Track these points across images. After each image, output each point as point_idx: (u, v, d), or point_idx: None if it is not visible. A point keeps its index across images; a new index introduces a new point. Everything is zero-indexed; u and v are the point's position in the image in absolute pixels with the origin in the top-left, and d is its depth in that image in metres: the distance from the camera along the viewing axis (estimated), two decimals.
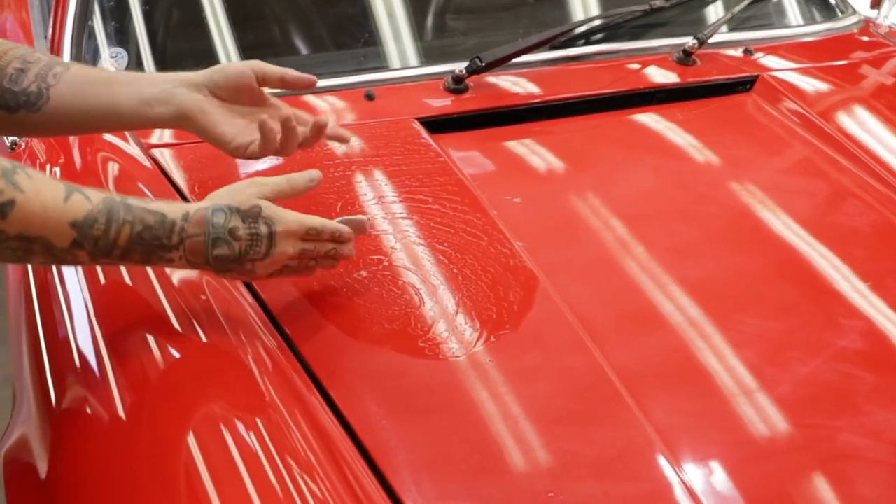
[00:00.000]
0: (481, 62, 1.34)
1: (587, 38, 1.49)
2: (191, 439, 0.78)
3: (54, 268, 1.09)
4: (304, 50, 1.53)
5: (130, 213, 0.83)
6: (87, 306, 0.99)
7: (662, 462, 0.81)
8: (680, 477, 0.79)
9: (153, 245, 0.84)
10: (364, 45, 1.47)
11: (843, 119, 1.38)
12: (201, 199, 1.11)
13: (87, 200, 0.82)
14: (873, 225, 1.17)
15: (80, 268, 1.04)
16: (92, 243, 0.82)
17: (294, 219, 0.90)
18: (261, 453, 0.76)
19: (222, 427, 0.79)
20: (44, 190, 0.80)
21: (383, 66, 1.45)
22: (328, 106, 1.36)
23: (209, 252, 0.86)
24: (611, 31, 1.51)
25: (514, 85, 1.40)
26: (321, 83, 1.38)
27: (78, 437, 0.86)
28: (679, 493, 0.78)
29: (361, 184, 1.16)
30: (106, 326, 0.95)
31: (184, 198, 1.12)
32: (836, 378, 0.92)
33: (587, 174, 1.25)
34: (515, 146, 1.30)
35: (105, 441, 0.83)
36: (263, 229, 0.88)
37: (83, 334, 0.96)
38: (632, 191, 1.21)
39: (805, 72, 1.51)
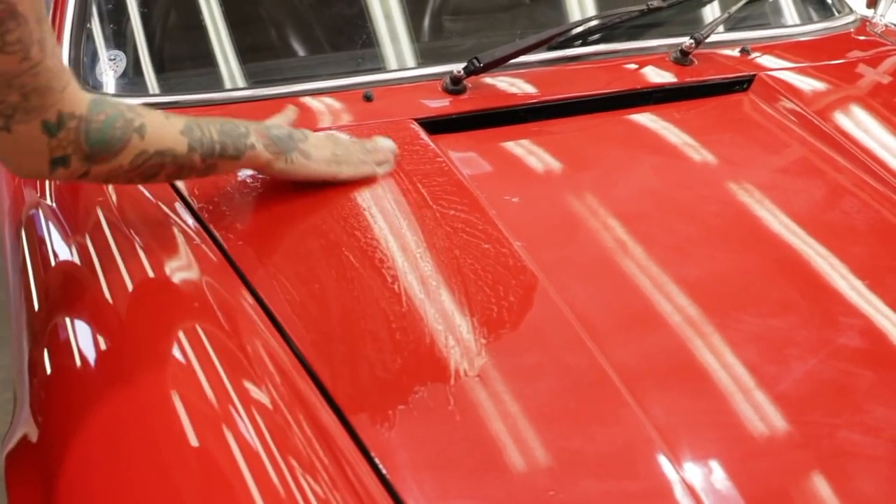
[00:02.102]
0: (479, 63, 1.35)
1: (584, 38, 1.50)
2: (192, 440, 0.79)
3: (54, 268, 1.09)
4: (302, 52, 1.53)
5: (205, 117, 1.01)
6: (87, 308, 0.99)
7: (662, 460, 0.81)
8: (680, 475, 0.79)
9: (235, 135, 1.01)
10: (362, 46, 1.47)
11: (841, 118, 1.39)
12: (198, 199, 1.12)
13: (177, 116, 0.98)
14: (871, 223, 1.18)
15: (79, 266, 1.05)
16: (198, 144, 0.98)
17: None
18: (262, 453, 0.76)
19: (224, 427, 0.79)
20: (154, 112, 0.96)
21: (381, 68, 1.45)
22: (326, 107, 1.36)
23: (269, 132, 1.06)
24: (608, 31, 1.51)
25: (512, 85, 1.40)
26: (319, 85, 1.39)
27: (79, 440, 0.86)
28: (679, 490, 0.78)
29: (359, 184, 1.16)
30: (107, 328, 0.95)
31: (181, 197, 1.12)
32: (835, 375, 0.92)
33: (585, 174, 1.25)
34: (514, 146, 1.30)
35: (106, 442, 0.83)
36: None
37: (84, 336, 0.97)
38: (630, 190, 1.22)
39: (802, 71, 1.52)
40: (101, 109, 0.90)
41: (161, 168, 0.96)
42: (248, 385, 0.84)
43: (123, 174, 0.94)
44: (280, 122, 1.14)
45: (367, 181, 1.13)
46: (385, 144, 1.16)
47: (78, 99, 0.88)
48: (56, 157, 0.87)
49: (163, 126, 0.95)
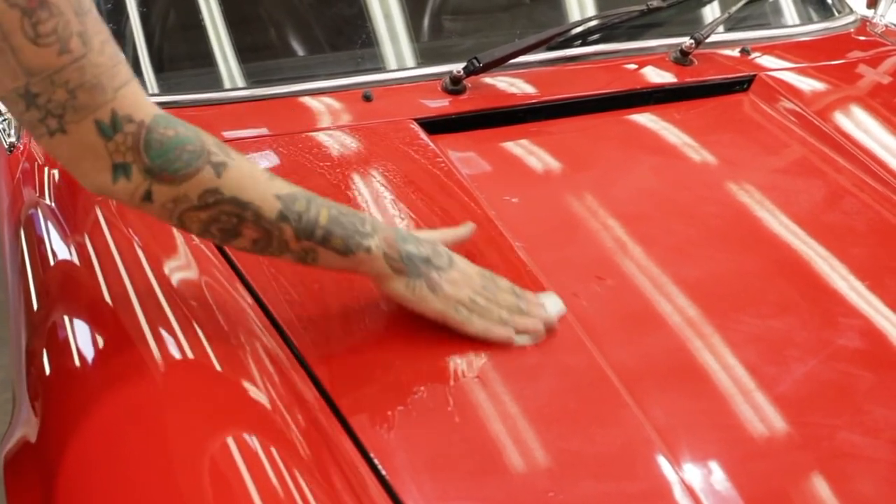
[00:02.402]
0: (478, 63, 1.34)
1: (584, 38, 1.50)
2: (191, 440, 0.78)
3: (53, 268, 1.09)
4: (301, 51, 1.53)
5: (326, 200, 0.89)
6: (86, 307, 0.99)
7: (662, 461, 0.81)
8: (679, 476, 0.79)
9: (350, 230, 0.88)
10: (361, 46, 1.47)
11: (841, 118, 1.39)
12: None
13: (286, 181, 0.88)
14: (871, 224, 1.18)
15: (77, 265, 1.05)
16: (297, 218, 0.86)
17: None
18: (262, 454, 0.76)
19: (223, 429, 0.79)
20: (249, 163, 0.87)
21: (381, 68, 1.45)
22: (325, 107, 1.36)
23: (400, 245, 0.90)
24: (608, 31, 1.51)
25: (512, 85, 1.40)
26: (318, 84, 1.39)
27: (78, 440, 0.86)
28: (678, 492, 0.78)
29: (359, 185, 1.16)
30: (105, 328, 0.95)
31: None
32: (834, 377, 0.92)
33: (585, 174, 1.25)
34: (513, 146, 1.30)
35: (105, 442, 0.83)
36: (442, 250, 0.93)
37: (83, 336, 0.97)
38: (630, 191, 1.22)
39: (802, 71, 1.52)
40: (172, 126, 0.82)
41: (241, 225, 0.84)
42: (248, 385, 0.84)
43: (193, 211, 0.83)
44: (436, 238, 0.96)
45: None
46: (542, 312, 0.93)
47: (139, 104, 0.81)
48: (117, 162, 0.81)
49: (254, 178, 0.85)
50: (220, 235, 0.86)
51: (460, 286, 0.90)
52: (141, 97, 0.82)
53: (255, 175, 0.85)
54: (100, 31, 0.80)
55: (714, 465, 0.82)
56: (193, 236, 1.01)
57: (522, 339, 0.91)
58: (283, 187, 0.86)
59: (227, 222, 0.84)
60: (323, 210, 0.87)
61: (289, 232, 0.86)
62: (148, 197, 0.83)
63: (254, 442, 0.77)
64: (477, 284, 0.91)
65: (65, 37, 0.77)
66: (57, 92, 0.78)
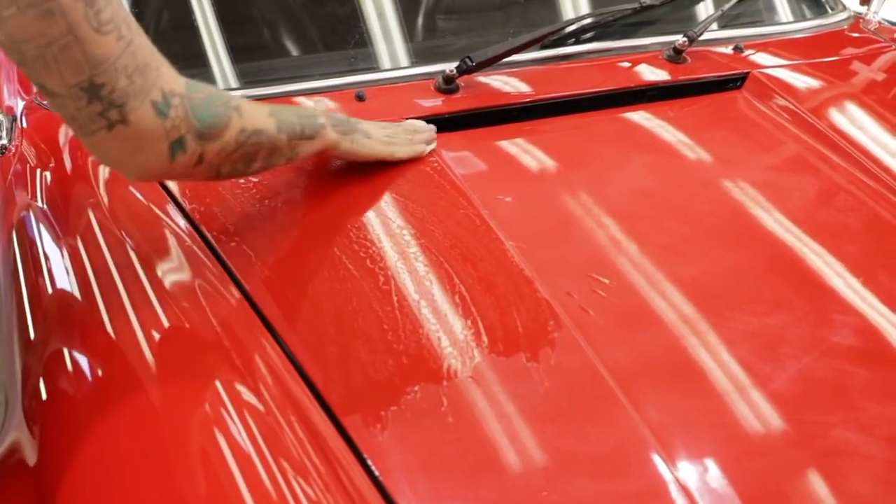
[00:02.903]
0: (471, 62, 1.34)
1: (577, 36, 1.49)
2: (184, 442, 0.78)
3: (45, 270, 1.08)
4: (294, 51, 1.53)
5: (283, 106, 1.05)
6: (78, 310, 0.99)
7: (656, 460, 0.81)
8: (674, 474, 0.79)
9: (309, 118, 1.05)
10: (354, 46, 1.46)
11: (834, 115, 1.39)
12: (190, 200, 1.12)
13: (258, 102, 1.00)
14: (865, 220, 1.18)
15: (70, 267, 1.04)
16: (285, 125, 1.00)
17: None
18: (254, 456, 0.76)
19: (216, 430, 0.79)
20: (240, 96, 0.97)
21: (374, 67, 1.45)
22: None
23: (333, 116, 1.10)
24: (601, 29, 1.51)
25: (505, 84, 1.40)
26: (312, 84, 1.38)
27: (71, 442, 0.86)
28: (673, 490, 0.78)
29: (352, 185, 1.16)
30: (98, 330, 0.95)
31: (173, 199, 1.12)
32: (829, 374, 0.92)
33: (579, 173, 1.25)
34: (507, 145, 1.30)
35: (98, 444, 0.83)
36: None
37: (74, 338, 0.96)
38: (623, 189, 1.21)
39: (795, 68, 1.52)
40: (199, 88, 0.89)
41: (258, 149, 0.97)
42: (240, 387, 0.84)
43: (229, 156, 0.93)
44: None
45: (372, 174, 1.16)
46: (423, 125, 1.22)
47: (174, 77, 0.86)
48: (174, 139, 0.85)
49: (253, 106, 0.96)
50: (241, 167, 0.97)
51: (376, 129, 1.15)
52: (172, 71, 0.87)
53: (252, 104, 0.97)
54: (128, 12, 0.84)
55: (709, 464, 0.82)
56: (185, 239, 1.01)
57: (430, 147, 1.20)
58: (264, 106, 0.99)
59: (250, 152, 0.96)
60: (288, 110, 1.03)
61: (284, 140, 1.00)
62: (200, 160, 0.90)
63: (246, 444, 0.77)
64: (381, 126, 1.17)
65: (118, 23, 0.79)
66: (120, 79, 0.80)
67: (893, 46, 1.64)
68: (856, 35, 1.68)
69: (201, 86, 0.90)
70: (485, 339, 0.91)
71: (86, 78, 0.78)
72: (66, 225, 1.14)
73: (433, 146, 1.20)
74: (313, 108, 1.11)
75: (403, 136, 1.17)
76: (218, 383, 0.85)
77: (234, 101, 0.93)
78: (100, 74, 0.78)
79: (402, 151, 1.16)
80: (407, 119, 1.22)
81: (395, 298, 0.96)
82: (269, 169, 1.03)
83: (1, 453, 0.91)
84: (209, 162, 0.91)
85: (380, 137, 1.14)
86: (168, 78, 0.85)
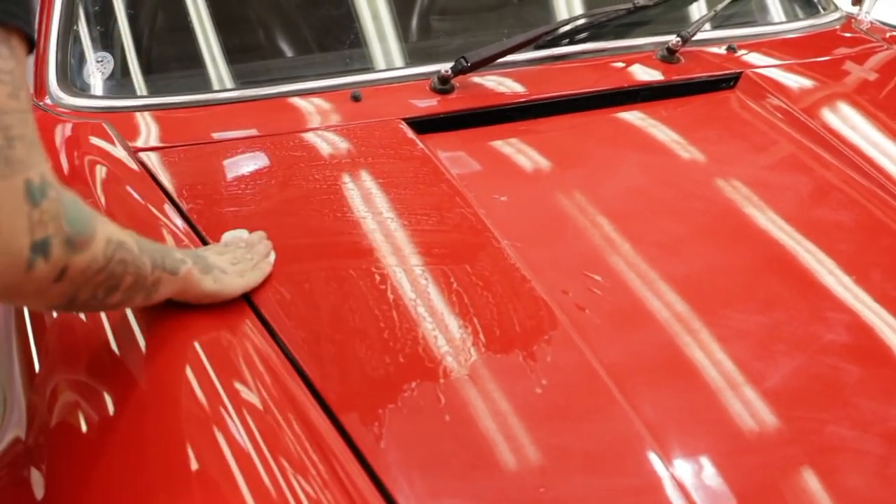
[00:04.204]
0: (466, 62, 1.35)
1: (572, 37, 1.50)
2: (183, 439, 0.79)
3: None
4: (289, 52, 1.53)
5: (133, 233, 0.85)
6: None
7: (652, 457, 0.81)
8: (669, 471, 0.80)
9: (165, 251, 0.87)
10: (350, 46, 1.47)
11: (827, 115, 1.40)
12: (188, 201, 1.12)
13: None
14: (857, 219, 1.19)
15: None
16: (142, 244, 0.82)
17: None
18: (254, 454, 0.76)
19: (214, 428, 0.79)
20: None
21: (369, 68, 1.45)
22: (314, 108, 1.36)
23: (190, 252, 0.93)
24: (595, 29, 1.52)
25: (500, 85, 1.41)
26: (307, 85, 1.39)
27: (69, 442, 0.86)
28: (668, 486, 0.79)
29: (349, 185, 1.16)
30: (94, 326, 0.95)
31: (171, 199, 1.12)
32: (822, 371, 0.93)
33: (573, 172, 1.26)
34: (502, 145, 1.31)
35: (96, 444, 0.83)
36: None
37: (71, 336, 0.96)
38: (618, 188, 1.22)
39: (788, 68, 1.53)
40: (65, 190, 0.74)
41: (123, 273, 0.79)
42: (239, 386, 0.84)
43: (92, 277, 0.76)
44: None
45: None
46: (254, 237, 1.03)
47: (53, 174, 0.72)
48: (38, 239, 0.68)
49: (107, 219, 0.79)
50: (101, 295, 0.78)
51: (225, 262, 0.96)
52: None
53: (105, 217, 0.79)
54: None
55: (704, 460, 0.83)
56: (182, 239, 1.01)
57: (272, 259, 1.01)
58: (122, 228, 0.82)
59: (116, 274, 0.78)
60: (145, 239, 0.85)
61: (147, 265, 0.82)
62: (62, 275, 0.72)
63: (246, 442, 0.78)
64: (220, 254, 0.97)
65: (18, 83, 0.68)
66: None
67: (885, 46, 1.65)
68: (848, 35, 1.69)
69: (66, 189, 0.74)
70: (481, 337, 0.92)
71: None
72: None
73: (273, 257, 1.01)
74: (161, 243, 0.92)
75: (247, 260, 0.98)
76: (216, 382, 0.86)
77: (91, 208, 0.77)
78: None
79: (254, 279, 0.97)
80: (232, 230, 1.05)
81: (391, 297, 0.96)
82: (124, 306, 0.86)
83: (1, 452, 0.92)
84: (71, 280, 0.73)
85: (232, 271, 0.95)
86: (49, 170, 0.70)
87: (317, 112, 1.35)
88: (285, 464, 0.76)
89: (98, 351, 0.92)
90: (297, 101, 1.36)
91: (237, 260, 0.97)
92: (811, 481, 0.82)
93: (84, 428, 0.85)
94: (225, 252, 0.98)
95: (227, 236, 1.04)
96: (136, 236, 0.82)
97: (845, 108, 1.44)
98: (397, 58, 1.48)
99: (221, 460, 0.76)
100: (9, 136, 0.66)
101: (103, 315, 0.94)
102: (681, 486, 0.79)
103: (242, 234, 1.04)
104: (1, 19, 0.65)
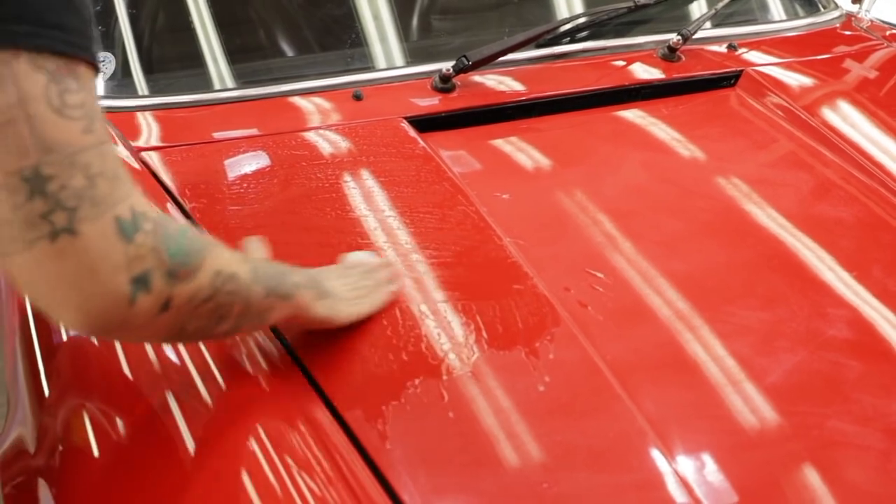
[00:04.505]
0: (468, 61, 1.35)
1: (573, 35, 1.51)
2: (186, 436, 0.79)
3: None
4: (291, 52, 1.53)
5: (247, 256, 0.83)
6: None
7: (654, 452, 0.82)
8: (672, 467, 0.80)
9: (276, 269, 0.83)
10: (351, 45, 1.47)
11: (827, 112, 1.40)
12: (190, 200, 1.12)
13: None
14: (858, 216, 1.19)
15: None
16: (258, 271, 0.78)
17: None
18: (258, 450, 0.77)
19: (220, 424, 0.80)
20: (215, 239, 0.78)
21: (370, 67, 1.45)
22: (316, 107, 1.36)
23: (307, 274, 0.87)
24: (596, 28, 1.52)
25: (501, 83, 1.41)
26: (309, 84, 1.39)
27: (82, 465, 0.86)
28: (671, 482, 0.79)
29: (351, 184, 1.17)
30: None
31: (174, 199, 1.12)
32: (824, 366, 0.93)
33: (575, 170, 1.26)
34: (503, 144, 1.31)
35: (109, 469, 0.84)
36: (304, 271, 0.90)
37: (77, 338, 0.97)
38: (619, 186, 1.23)
39: (788, 66, 1.53)
40: (172, 219, 0.73)
41: (232, 302, 0.75)
42: (244, 383, 0.84)
43: (199, 307, 0.72)
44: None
45: None
46: (376, 261, 0.99)
47: (148, 202, 0.68)
48: (136, 274, 0.65)
49: (227, 249, 0.76)
50: (210, 325, 0.75)
51: (342, 288, 0.91)
52: (145, 196, 0.70)
53: (225, 246, 0.76)
54: (104, 115, 0.68)
55: (706, 456, 0.83)
56: None
57: (396, 286, 0.96)
58: (238, 253, 0.79)
59: (224, 304, 0.74)
60: (263, 262, 0.82)
61: (261, 293, 0.78)
62: (166, 306, 0.68)
63: (250, 438, 0.78)
64: (340, 277, 0.92)
65: (91, 115, 0.64)
66: (75, 176, 0.62)
67: (885, 44, 1.66)
68: (848, 33, 1.69)
69: (172, 218, 0.73)
70: (484, 334, 0.92)
71: (31, 165, 0.61)
72: None
73: (395, 286, 0.96)
74: (282, 265, 0.86)
75: (365, 286, 0.94)
76: (219, 378, 0.86)
77: (208, 238, 0.75)
78: (50, 164, 0.61)
79: (367, 308, 0.92)
80: (359, 252, 1.01)
81: (395, 295, 0.96)
82: (235, 334, 0.82)
83: (6, 449, 0.92)
84: (177, 310, 0.69)
85: (348, 297, 0.91)
86: (140, 199, 0.67)
87: (318, 111, 1.35)
88: (290, 461, 0.76)
89: (112, 375, 0.91)
90: (298, 100, 1.36)
91: (355, 286, 0.92)
92: (813, 476, 0.83)
93: (97, 453, 0.85)
94: (345, 276, 0.93)
95: (352, 258, 0.99)
96: (254, 262, 0.78)
97: (845, 106, 1.45)
98: (398, 57, 1.48)
99: (225, 456, 0.77)
100: (89, 174, 0.63)
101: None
102: (683, 482, 0.79)
103: (367, 256, 0.99)
104: (66, 51, 0.61)
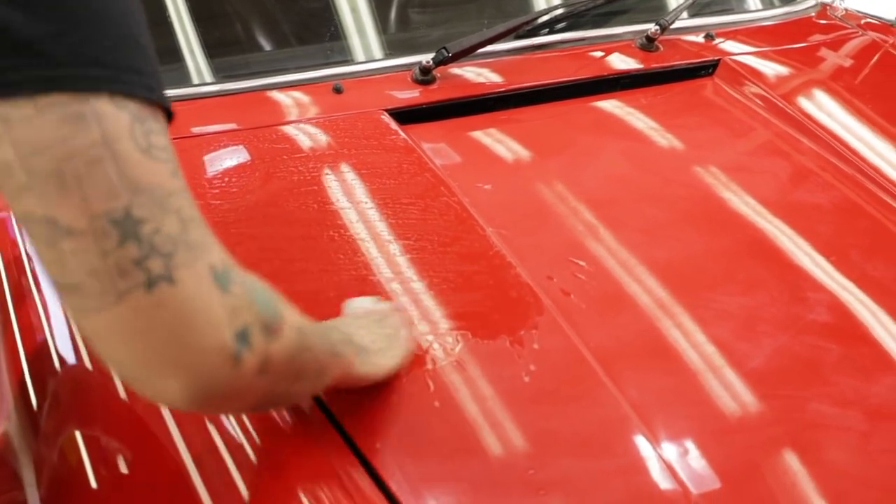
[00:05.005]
0: (448, 52, 1.35)
1: (552, 26, 1.51)
2: (172, 427, 0.79)
3: (27, 269, 1.08)
4: (269, 45, 1.53)
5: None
6: (63, 309, 0.99)
7: (639, 438, 0.82)
8: (657, 451, 0.81)
9: (324, 325, 0.79)
10: (330, 38, 1.47)
11: (804, 101, 1.41)
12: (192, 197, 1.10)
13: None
14: (835, 202, 1.20)
15: None
16: (316, 327, 0.73)
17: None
18: (241, 437, 0.77)
19: (205, 417, 0.80)
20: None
21: (350, 60, 1.45)
22: (296, 100, 1.36)
23: (339, 326, 0.84)
24: (574, 19, 1.53)
25: (481, 75, 1.41)
26: (288, 78, 1.39)
27: (59, 435, 0.86)
28: (656, 466, 0.80)
29: (333, 176, 1.17)
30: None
31: None
32: (804, 350, 0.94)
33: (556, 160, 1.27)
34: (484, 135, 1.31)
35: (86, 438, 0.84)
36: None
37: (61, 334, 0.96)
38: (600, 175, 1.23)
39: (765, 55, 1.54)
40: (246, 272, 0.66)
41: (310, 358, 0.69)
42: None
43: (287, 367, 0.66)
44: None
45: None
46: (384, 307, 0.93)
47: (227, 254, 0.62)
48: (238, 329, 0.59)
49: (286, 301, 0.68)
50: (289, 386, 0.68)
51: (368, 340, 0.84)
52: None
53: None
54: None
55: (691, 440, 0.84)
56: None
57: (408, 332, 0.89)
58: (293, 309, 0.70)
59: (304, 361, 0.68)
60: (310, 322, 0.72)
61: (327, 348, 0.73)
62: (265, 368, 0.62)
63: (233, 424, 0.78)
64: (362, 328, 0.85)
65: (175, 160, 0.60)
66: (169, 219, 0.57)
67: (860, 33, 1.67)
68: (823, 22, 1.71)
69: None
70: (468, 323, 0.92)
71: (122, 206, 0.55)
72: None
73: (410, 332, 0.90)
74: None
75: (384, 336, 0.87)
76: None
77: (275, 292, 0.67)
78: (142, 206, 0.56)
79: (403, 354, 0.87)
80: (356, 299, 0.94)
81: (378, 285, 0.97)
82: (300, 398, 0.78)
83: None
84: (273, 372, 0.63)
85: (376, 350, 0.84)
86: (223, 251, 0.61)
87: (298, 105, 1.35)
88: (274, 447, 0.77)
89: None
90: (278, 94, 1.35)
91: (375, 336, 0.85)
92: (795, 458, 0.84)
93: (94, 485, 0.84)
94: (362, 326, 0.85)
95: (357, 306, 0.92)
96: (305, 318, 0.70)
97: (822, 94, 1.46)
98: (378, 49, 1.48)
99: (209, 442, 0.77)
100: (182, 218, 0.58)
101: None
102: (668, 466, 0.80)
103: (371, 303, 0.93)
104: (146, 95, 0.58)
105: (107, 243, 0.55)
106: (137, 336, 0.55)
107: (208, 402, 0.59)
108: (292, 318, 0.65)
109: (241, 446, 0.78)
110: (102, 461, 0.84)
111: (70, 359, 0.94)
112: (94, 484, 0.83)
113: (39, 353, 0.97)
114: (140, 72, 0.59)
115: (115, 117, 0.56)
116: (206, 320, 0.57)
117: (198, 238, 0.58)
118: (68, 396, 0.91)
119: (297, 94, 1.37)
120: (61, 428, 0.91)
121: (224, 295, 0.58)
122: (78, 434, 0.87)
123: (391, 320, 0.89)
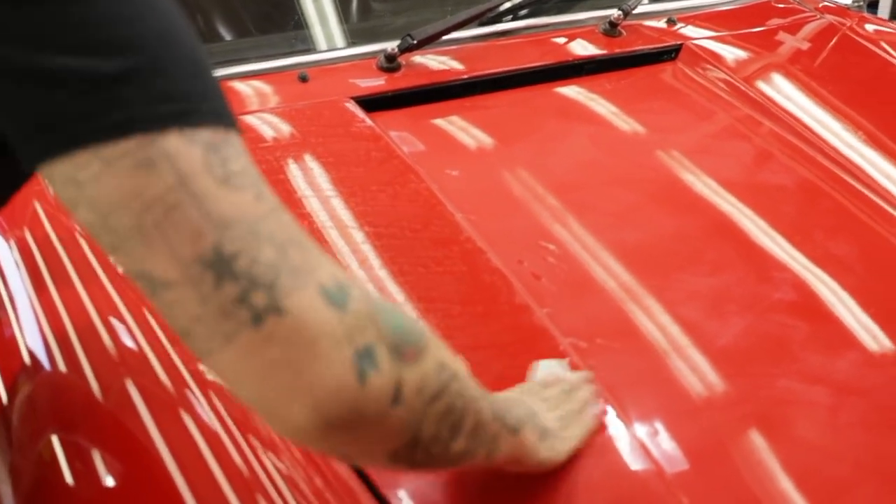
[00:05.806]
0: (413, 39, 1.35)
1: (515, 13, 1.52)
2: (149, 422, 0.79)
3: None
4: (233, 35, 1.52)
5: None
6: (32, 305, 0.98)
7: (612, 417, 0.83)
8: (629, 431, 0.82)
9: (501, 397, 0.74)
10: (294, 27, 1.46)
11: (765, 84, 1.43)
12: None
13: None
14: (799, 183, 1.22)
15: (22, 267, 1.03)
16: (479, 387, 0.66)
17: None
18: (221, 432, 0.77)
19: (182, 410, 0.80)
20: None
21: (314, 48, 1.45)
22: (261, 90, 1.35)
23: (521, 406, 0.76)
24: (538, 5, 1.53)
25: (446, 62, 1.41)
26: (253, 67, 1.38)
27: (32, 434, 0.85)
28: (627, 445, 0.81)
29: (300, 165, 1.16)
30: (54, 322, 0.94)
31: None
32: (771, 328, 0.96)
33: (523, 146, 1.27)
34: (450, 121, 1.32)
35: (62, 440, 0.83)
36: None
37: (31, 332, 0.96)
38: (567, 160, 1.24)
39: (726, 40, 1.56)
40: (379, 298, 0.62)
41: (465, 408, 0.62)
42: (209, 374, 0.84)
43: (432, 404, 0.59)
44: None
45: None
46: (574, 377, 0.85)
47: (341, 269, 0.58)
48: (361, 347, 0.54)
49: (442, 343, 0.63)
50: (446, 434, 0.61)
51: (551, 419, 0.78)
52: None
53: (440, 340, 0.63)
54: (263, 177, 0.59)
55: (663, 418, 0.85)
56: None
57: (596, 409, 0.83)
58: (453, 355, 0.64)
59: (456, 409, 0.61)
60: (479, 383, 0.66)
61: (488, 410, 0.65)
62: (398, 396, 0.56)
63: (213, 419, 0.78)
64: (543, 400, 0.80)
65: (257, 180, 0.55)
66: (264, 248, 0.53)
67: (817, 16, 1.70)
68: (782, 6, 1.73)
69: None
70: (440, 309, 0.93)
71: (209, 247, 0.52)
72: (11, 218, 1.12)
73: (598, 409, 0.83)
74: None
75: (571, 410, 0.81)
76: (180, 368, 0.86)
77: (426, 327, 0.62)
78: (232, 241, 0.52)
79: (583, 437, 0.80)
80: (548, 361, 0.87)
81: (349, 270, 0.97)
82: (467, 461, 0.65)
83: None
84: (410, 403, 0.57)
85: (558, 431, 0.77)
86: (335, 266, 0.57)
87: (263, 94, 1.34)
88: (255, 442, 0.77)
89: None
90: (243, 83, 1.35)
91: (562, 414, 0.79)
92: (766, 433, 0.85)
93: (41, 408, 0.84)
94: (548, 401, 0.80)
95: (546, 371, 0.85)
96: (470, 375, 0.64)
97: (782, 77, 1.48)
98: (343, 38, 1.48)
99: (189, 438, 0.76)
100: (277, 243, 0.54)
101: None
102: (642, 445, 0.81)
103: (561, 369, 0.86)
104: (215, 122, 0.54)
105: (204, 288, 0.52)
106: (254, 373, 0.53)
107: (340, 428, 0.54)
108: (445, 360, 0.61)
109: (224, 446, 0.77)
110: (79, 459, 0.83)
111: (41, 357, 0.93)
112: (70, 481, 0.82)
113: (8, 350, 0.96)
114: (208, 96, 0.54)
115: (188, 154, 0.52)
116: (322, 344, 0.53)
117: (299, 259, 0.54)
118: (40, 395, 0.90)
119: (261, 83, 1.36)
120: (35, 426, 0.90)
121: (340, 314, 0.54)
122: (54, 436, 0.87)
123: (581, 394, 0.83)
